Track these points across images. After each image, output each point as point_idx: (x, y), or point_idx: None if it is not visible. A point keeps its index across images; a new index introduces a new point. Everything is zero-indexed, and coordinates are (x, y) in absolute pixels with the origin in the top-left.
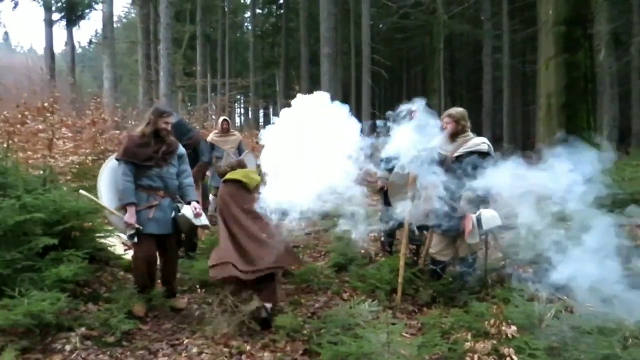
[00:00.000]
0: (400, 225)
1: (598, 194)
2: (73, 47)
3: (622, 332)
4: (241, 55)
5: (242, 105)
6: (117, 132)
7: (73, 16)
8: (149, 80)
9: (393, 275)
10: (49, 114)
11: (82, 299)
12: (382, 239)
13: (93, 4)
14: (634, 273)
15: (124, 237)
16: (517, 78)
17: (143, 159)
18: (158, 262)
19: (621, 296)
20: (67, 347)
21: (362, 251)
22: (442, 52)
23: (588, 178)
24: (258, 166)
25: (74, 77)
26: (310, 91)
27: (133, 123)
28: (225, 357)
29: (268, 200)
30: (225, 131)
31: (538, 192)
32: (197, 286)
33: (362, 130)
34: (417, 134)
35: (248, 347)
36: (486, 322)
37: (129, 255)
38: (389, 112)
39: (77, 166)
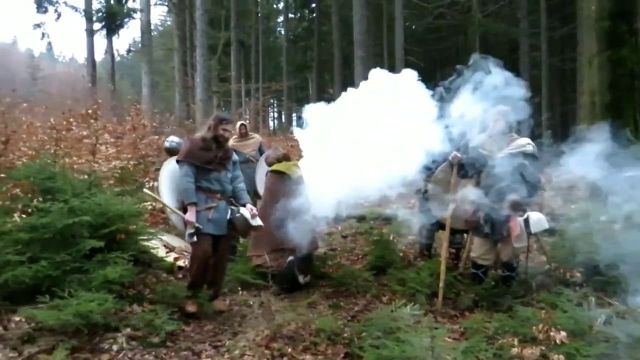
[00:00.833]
0: (440, 227)
1: None
2: (112, 56)
3: None
4: (274, 60)
5: (275, 110)
6: (156, 137)
7: (113, 25)
8: (185, 86)
9: (433, 278)
10: (92, 121)
11: (127, 300)
12: (421, 242)
13: (132, 13)
14: None
15: (166, 239)
16: (555, 76)
17: (204, 162)
18: None
19: None
20: (114, 347)
21: (401, 254)
22: (478, 51)
23: None
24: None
25: (114, 84)
26: None
27: (171, 128)
28: (267, 358)
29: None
30: (243, 135)
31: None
32: (239, 288)
33: None
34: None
35: (289, 350)
36: (533, 327)
37: (171, 257)
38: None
39: (119, 171)
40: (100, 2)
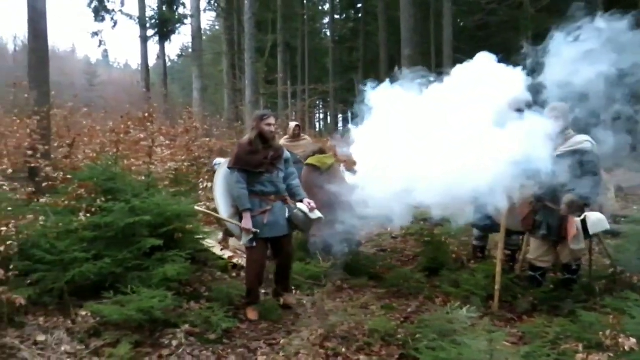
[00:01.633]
0: (493, 229)
1: None
2: (165, 61)
3: None
4: (320, 62)
5: (321, 111)
6: (207, 139)
7: (165, 31)
8: (234, 89)
9: (488, 281)
10: (148, 124)
11: (185, 297)
12: (474, 243)
13: (183, 19)
14: None
15: (220, 237)
16: None
17: (254, 165)
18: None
19: None
20: (174, 343)
21: (453, 256)
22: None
23: None
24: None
25: (166, 88)
26: None
27: (221, 130)
28: (322, 358)
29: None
30: (296, 136)
31: None
32: (292, 288)
33: None
34: None
35: (343, 350)
36: (600, 333)
37: (226, 255)
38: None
39: (174, 172)
40: (153, 10)
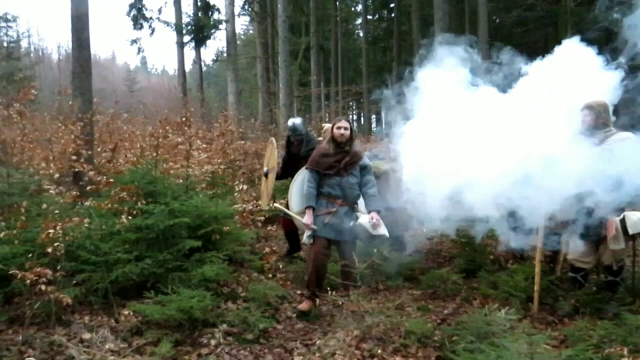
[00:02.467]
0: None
1: None
2: (201, 66)
3: None
4: (353, 62)
5: (354, 112)
6: (242, 142)
7: (201, 37)
8: (268, 92)
9: (528, 282)
10: (186, 128)
11: (223, 297)
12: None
13: (218, 24)
14: None
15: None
16: None
17: (324, 167)
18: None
19: None
20: (212, 342)
21: (491, 257)
22: None
23: None
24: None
25: (202, 93)
26: None
27: (256, 133)
28: (358, 359)
29: None
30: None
31: None
32: (328, 288)
33: None
34: None
35: (379, 351)
36: None
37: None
38: None
39: (211, 175)
40: (189, 16)
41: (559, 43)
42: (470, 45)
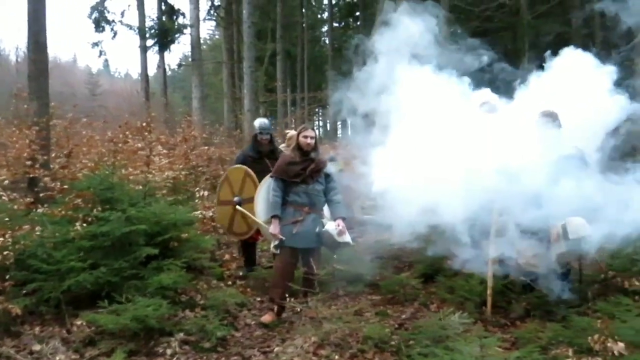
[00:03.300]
0: None
1: None
2: (164, 70)
3: None
4: (319, 69)
5: (320, 118)
6: (206, 147)
7: (165, 41)
8: (233, 97)
9: (483, 286)
10: (146, 133)
11: (181, 305)
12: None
13: (182, 29)
14: None
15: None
16: None
17: (291, 175)
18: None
19: None
20: (168, 351)
21: (449, 262)
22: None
23: None
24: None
25: (166, 98)
26: None
27: (220, 139)
28: None
29: None
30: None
31: None
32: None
33: None
34: None
35: (337, 357)
36: (589, 337)
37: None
38: None
39: (172, 181)
40: (153, 20)
41: (518, 54)
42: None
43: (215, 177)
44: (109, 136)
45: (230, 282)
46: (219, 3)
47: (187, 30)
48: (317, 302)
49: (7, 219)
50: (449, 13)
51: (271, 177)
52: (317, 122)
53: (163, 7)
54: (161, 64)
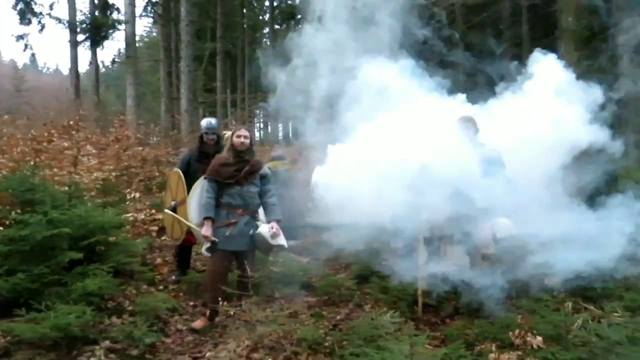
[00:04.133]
0: None
1: None
2: (97, 67)
3: None
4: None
5: (261, 120)
6: (140, 148)
7: (97, 37)
8: (171, 97)
9: (415, 287)
10: (74, 132)
11: (107, 312)
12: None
13: (116, 24)
14: None
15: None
16: None
17: (224, 177)
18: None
19: None
20: None
21: (384, 262)
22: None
23: None
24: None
25: (98, 95)
26: None
27: (155, 139)
28: None
29: None
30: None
31: None
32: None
33: None
34: None
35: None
36: (511, 333)
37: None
38: None
39: (102, 182)
40: (85, 14)
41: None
42: None
43: (150, 179)
44: (32, 135)
45: (161, 287)
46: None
47: (122, 27)
48: (251, 305)
49: None
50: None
51: (205, 178)
52: (258, 124)
53: (96, 1)
54: (93, 61)
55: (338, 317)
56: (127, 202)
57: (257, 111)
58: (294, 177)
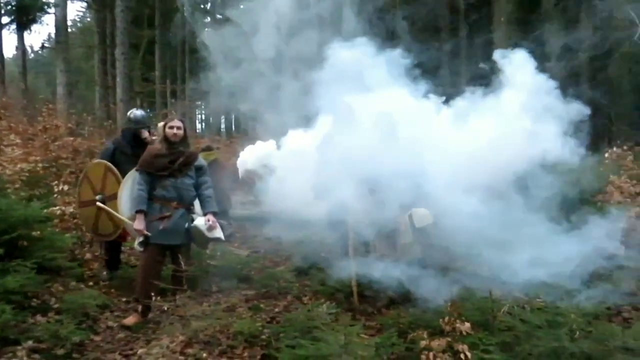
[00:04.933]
0: None
1: None
2: (24, 52)
3: (569, 325)
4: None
5: (203, 112)
6: (72, 139)
7: (24, 20)
8: (105, 85)
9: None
10: None
11: (31, 310)
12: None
13: (45, 7)
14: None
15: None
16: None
17: (157, 169)
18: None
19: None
20: None
21: (323, 255)
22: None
23: None
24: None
25: (25, 82)
26: None
27: (88, 129)
28: None
29: None
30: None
31: None
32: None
33: None
34: None
35: (205, 355)
36: (441, 320)
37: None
38: None
39: (27, 174)
40: None
41: None
42: None
43: (82, 171)
44: None
45: (92, 283)
46: None
47: (52, 10)
48: (185, 300)
49: None
50: None
51: (136, 170)
52: (199, 115)
53: None
54: (20, 45)
55: (276, 310)
56: (55, 195)
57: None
58: (222, 166)
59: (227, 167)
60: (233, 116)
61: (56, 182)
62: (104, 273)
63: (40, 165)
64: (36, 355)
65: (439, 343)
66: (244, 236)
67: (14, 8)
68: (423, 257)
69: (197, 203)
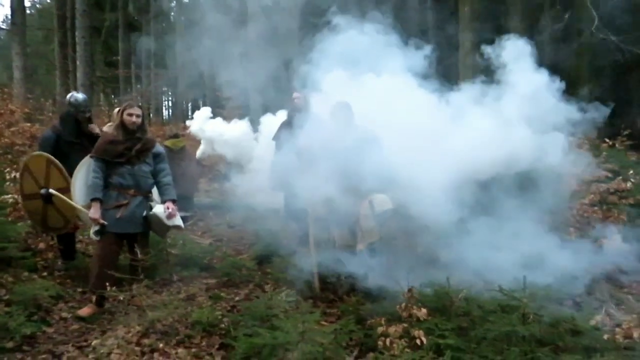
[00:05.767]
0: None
1: None
2: None
3: (522, 310)
4: (169, 46)
5: (170, 98)
6: (29, 124)
7: None
8: (65, 70)
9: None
10: None
11: None
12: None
13: None
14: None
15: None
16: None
17: (113, 155)
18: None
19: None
20: None
21: (285, 242)
22: None
23: None
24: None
25: None
26: None
27: (47, 115)
28: (137, 356)
29: None
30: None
31: None
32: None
33: None
34: None
35: (161, 345)
36: (398, 306)
37: None
38: None
39: None
40: None
41: None
42: None
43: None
44: None
45: (45, 274)
46: None
47: None
48: (142, 290)
49: None
50: None
51: (91, 157)
52: (166, 102)
53: None
54: None
55: (237, 299)
56: (8, 183)
57: (165, 88)
58: (189, 153)
59: (194, 154)
60: (200, 102)
61: (8, 169)
62: (59, 263)
63: None
64: None
65: (395, 329)
66: (207, 224)
67: None
68: (383, 242)
69: (155, 191)
